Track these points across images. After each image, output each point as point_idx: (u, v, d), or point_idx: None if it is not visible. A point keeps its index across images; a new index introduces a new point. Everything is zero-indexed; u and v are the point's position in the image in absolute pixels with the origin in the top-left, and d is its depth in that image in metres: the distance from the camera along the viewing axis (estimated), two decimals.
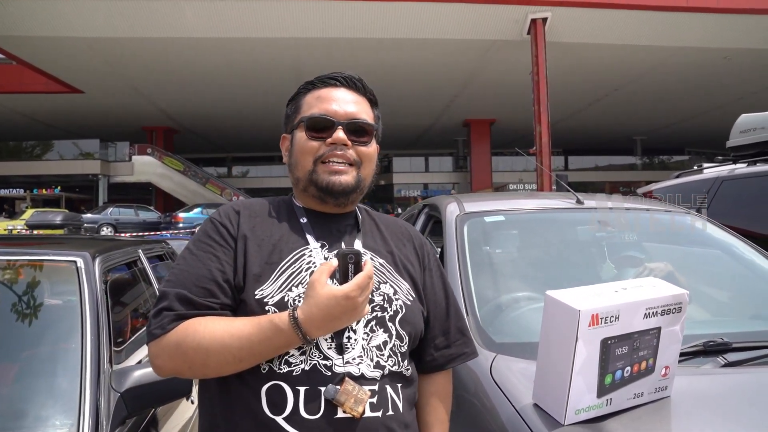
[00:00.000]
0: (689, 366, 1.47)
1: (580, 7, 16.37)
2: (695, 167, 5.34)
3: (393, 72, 20.26)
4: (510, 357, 1.51)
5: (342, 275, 0.97)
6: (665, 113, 26.94)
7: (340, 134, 1.13)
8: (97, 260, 1.94)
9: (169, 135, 29.66)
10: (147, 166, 27.36)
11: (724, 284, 2.31)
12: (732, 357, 1.52)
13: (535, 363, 1.45)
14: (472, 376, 1.52)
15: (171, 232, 17.09)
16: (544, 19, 16.55)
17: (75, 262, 1.88)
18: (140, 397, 1.60)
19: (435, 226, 2.75)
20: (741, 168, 4.01)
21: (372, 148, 1.19)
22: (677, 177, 4.73)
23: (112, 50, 18.30)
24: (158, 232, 14.90)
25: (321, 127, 1.14)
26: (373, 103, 1.23)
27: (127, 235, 13.59)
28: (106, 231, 20.36)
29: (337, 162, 1.13)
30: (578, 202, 2.34)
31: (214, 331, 0.97)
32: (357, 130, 1.15)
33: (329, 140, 1.13)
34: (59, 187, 26.87)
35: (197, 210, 21.92)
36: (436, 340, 1.18)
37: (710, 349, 1.54)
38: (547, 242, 2.29)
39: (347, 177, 1.13)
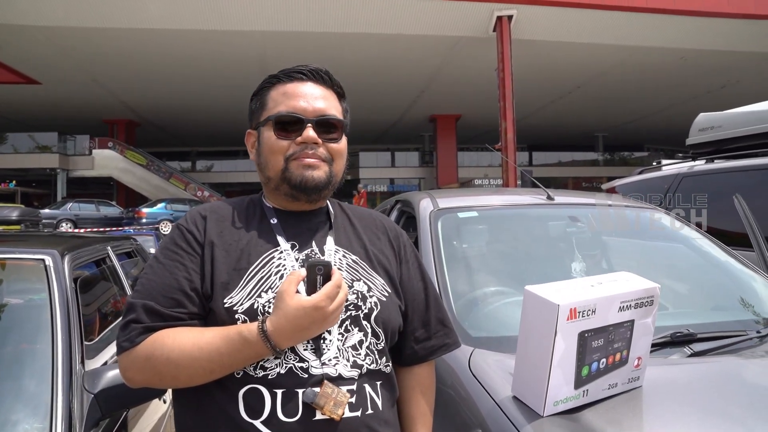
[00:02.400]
0: (658, 356, 1.52)
1: (545, 5, 16.66)
2: (654, 163, 5.52)
3: (359, 67, 20.19)
4: (487, 351, 1.54)
5: (310, 285, 0.96)
6: (626, 110, 27.65)
7: (310, 133, 1.10)
8: (66, 258, 1.89)
9: (131, 128, 28.87)
10: (108, 160, 26.55)
11: (686, 277, 2.40)
12: (698, 347, 1.58)
13: (511, 357, 1.49)
14: (449, 370, 1.54)
15: (134, 227, 16.69)
16: (510, 17, 16.76)
17: (43, 260, 1.83)
18: (115, 398, 1.56)
19: (407, 222, 2.77)
20: (700, 165, 4.16)
21: (342, 144, 1.16)
22: (640, 173, 4.87)
23: (71, 40, 17.68)
24: (121, 228, 14.53)
25: (290, 125, 1.11)
26: (341, 95, 1.20)
27: (82, 230, 13.19)
28: (65, 227, 19.74)
29: (309, 159, 1.11)
30: (549, 198, 2.39)
31: (183, 344, 0.96)
32: (327, 126, 1.13)
33: (299, 139, 1.10)
34: (14, 182, 25.86)
35: (161, 205, 21.42)
36: (416, 333, 1.18)
37: (677, 340, 1.60)
38: (519, 237, 2.33)
39: (319, 172, 1.11)
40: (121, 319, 1.02)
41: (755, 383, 1.47)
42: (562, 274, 2.15)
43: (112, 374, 1.60)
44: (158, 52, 18.89)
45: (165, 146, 34.21)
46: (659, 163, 5.32)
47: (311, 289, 0.96)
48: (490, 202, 2.46)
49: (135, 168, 27.23)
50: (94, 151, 26.93)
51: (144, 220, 19.67)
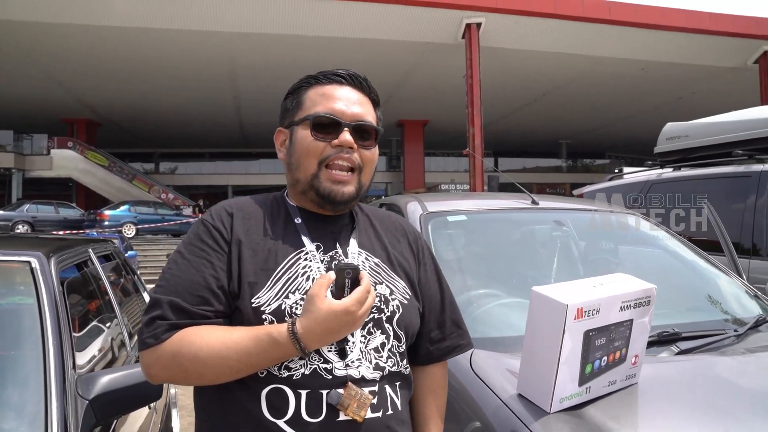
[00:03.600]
0: (649, 354, 1.58)
1: (513, 14, 17.04)
2: (616, 171, 5.71)
3: None
4: (486, 351, 1.57)
5: (338, 289, 0.97)
6: (588, 119, 28.43)
7: (347, 136, 1.09)
8: (53, 260, 1.84)
9: (91, 128, 28.04)
10: (67, 161, 25.66)
11: (661, 279, 2.50)
12: (683, 345, 1.66)
13: (509, 356, 1.53)
14: (449, 369, 1.56)
15: (97, 230, 16.20)
16: (479, 24, 17.08)
17: (29, 262, 1.77)
18: (110, 404, 1.53)
19: None
20: (668, 172, 4.33)
21: (375, 152, 1.16)
22: (609, 180, 5.03)
23: (28, 35, 17.08)
24: (83, 231, 14.07)
25: (327, 126, 1.10)
26: (376, 103, 1.20)
27: (24, 230, 12.77)
28: (21, 229, 19.02)
29: (341, 171, 1.10)
30: (533, 202, 2.45)
31: (211, 343, 0.95)
32: (362, 133, 1.12)
33: (335, 142, 1.09)
34: None
35: (124, 207, 20.86)
36: (431, 334, 1.18)
37: (664, 339, 1.67)
38: (507, 240, 2.38)
39: (350, 188, 1.11)
40: (144, 314, 1.01)
41: (738, 378, 1.55)
42: (547, 276, 2.22)
43: (107, 380, 1.56)
44: (122, 51, 18.45)
45: (127, 147, 33.36)
46: (621, 170, 5.52)
47: (339, 293, 0.97)
48: (477, 206, 2.50)
49: (96, 169, 26.46)
50: (52, 150, 26.01)
51: (107, 223, 19.11)
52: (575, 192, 5.42)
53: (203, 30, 16.95)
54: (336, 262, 1.08)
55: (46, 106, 24.78)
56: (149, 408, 2.26)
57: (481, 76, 17.08)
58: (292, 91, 1.19)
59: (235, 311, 1.02)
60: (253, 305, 1.00)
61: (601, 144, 35.54)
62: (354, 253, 1.11)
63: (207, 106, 24.72)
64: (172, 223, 21.48)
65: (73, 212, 21.90)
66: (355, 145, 1.10)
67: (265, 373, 0.98)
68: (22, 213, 20.25)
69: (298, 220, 1.13)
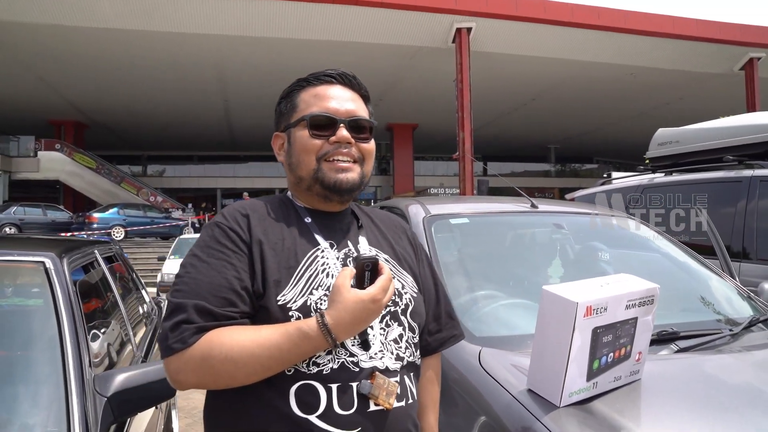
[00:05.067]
0: (650, 352, 1.64)
1: (503, 19, 17.18)
2: (604, 175, 5.80)
3: None
4: (493, 349, 1.63)
5: (359, 281, 1.00)
6: (577, 123, 28.67)
7: (343, 132, 1.14)
8: (65, 260, 1.87)
9: (79, 130, 27.80)
10: (55, 163, 25.41)
11: (656, 280, 2.57)
12: (682, 344, 1.72)
13: (516, 354, 1.58)
14: (456, 368, 1.62)
15: (85, 232, 16.06)
16: (469, 29, 17.18)
17: (43, 262, 1.80)
18: (127, 402, 1.56)
19: None
20: (659, 177, 4.42)
21: (372, 144, 1.21)
22: (602, 184, 5.12)
23: (16, 36, 16.90)
24: (72, 233, 13.95)
25: (323, 125, 1.14)
26: (367, 99, 1.24)
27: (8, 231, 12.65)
28: (9, 231, 18.80)
29: (343, 160, 1.14)
30: (533, 206, 2.51)
31: (242, 342, 0.95)
32: (358, 128, 1.17)
33: (333, 138, 1.13)
34: None
35: (113, 210, 20.71)
36: (429, 326, 1.23)
37: (663, 338, 1.74)
38: (508, 242, 2.44)
39: (353, 174, 1.15)
40: (165, 320, 1.00)
41: (735, 374, 1.62)
42: (547, 277, 2.28)
43: (123, 377, 1.59)
44: (111, 52, 18.32)
45: (115, 149, 33.12)
46: (609, 175, 5.61)
47: (359, 284, 1.00)
48: (478, 209, 2.56)
49: (84, 171, 26.23)
50: (39, 153, 25.73)
51: (95, 225, 18.96)
52: (567, 197, 5.51)
53: (191, 33, 16.88)
54: (354, 255, 1.13)
55: (33, 107, 24.53)
56: (155, 408, 2.29)
57: (471, 80, 17.18)
58: (285, 96, 1.22)
59: (260, 311, 1.02)
60: (279, 303, 1.02)
61: (590, 148, 35.85)
62: (365, 249, 1.16)
63: (195, 109, 24.61)
64: (161, 225, 21.35)
65: (61, 215, 21.69)
66: (353, 140, 1.15)
67: (292, 370, 0.99)
68: (9, 215, 20.01)
69: (308, 220, 1.16)
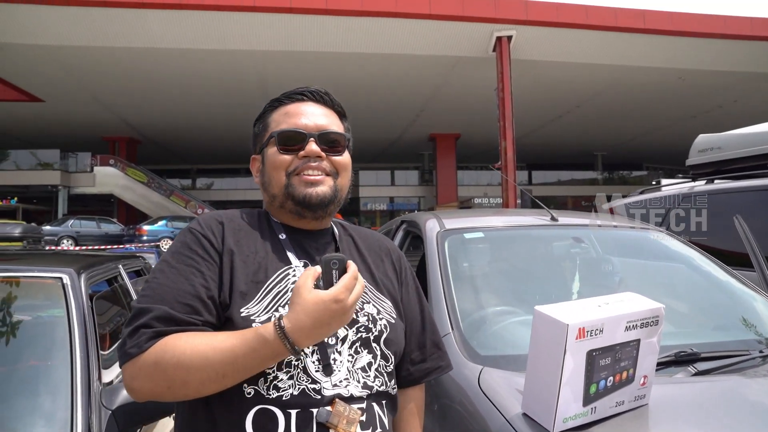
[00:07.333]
0: (663, 375, 1.56)
1: (544, 26, 16.93)
2: (654, 183, 5.59)
3: (359, 86, 20.42)
4: (496, 369, 1.58)
5: (326, 283, 0.93)
6: (624, 129, 27.88)
7: (312, 146, 1.12)
8: (83, 276, 1.93)
9: (132, 146, 29.08)
10: (109, 178, 26.68)
11: (687, 297, 2.44)
12: (701, 366, 1.62)
13: (519, 374, 1.53)
14: (457, 386, 1.57)
15: (135, 244, 16.70)
16: (509, 37, 17.01)
17: (61, 278, 1.87)
18: (132, 414, 1.60)
19: (413, 242, 2.82)
20: (700, 185, 4.22)
21: (346, 158, 1.17)
22: (641, 193, 4.94)
23: (73, 59, 17.89)
24: (122, 245, 14.53)
25: (292, 140, 1.12)
26: (342, 115, 1.23)
27: (82, 248, 13.21)
28: (66, 244, 19.75)
29: (312, 174, 1.12)
30: (552, 219, 2.44)
31: (195, 345, 0.91)
32: (329, 141, 1.15)
33: (302, 153, 1.11)
34: (16, 198, 25.92)
35: (162, 222, 21.47)
36: (412, 355, 1.18)
37: (681, 359, 1.64)
38: (525, 258, 2.38)
39: (324, 188, 1.12)
40: (126, 325, 0.96)
41: (759, 402, 1.50)
42: (566, 293, 2.20)
43: None
44: (159, 71, 19.11)
45: (165, 164, 34.42)
46: (659, 182, 5.40)
47: (327, 286, 0.93)
48: (495, 223, 2.50)
49: (136, 185, 27.36)
50: (95, 168, 27.06)
51: (145, 238, 19.67)
52: (605, 206, 5.33)
53: (236, 49, 17.39)
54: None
55: (89, 125, 25.79)
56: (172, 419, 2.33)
57: (513, 88, 16.98)
58: (259, 117, 1.22)
59: (226, 323, 0.99)
60: (243, 314, 0.98)
61: (638, 155, 34.78)
62: None
63: (242, 123, 25.13)
64: None
65: (113, 227, 22.65)
66: (323, 154, 1.13)
67: (252, 392, 0.95)
68: (66, 228, 21.07)
69: (282, 236, 1.13)
